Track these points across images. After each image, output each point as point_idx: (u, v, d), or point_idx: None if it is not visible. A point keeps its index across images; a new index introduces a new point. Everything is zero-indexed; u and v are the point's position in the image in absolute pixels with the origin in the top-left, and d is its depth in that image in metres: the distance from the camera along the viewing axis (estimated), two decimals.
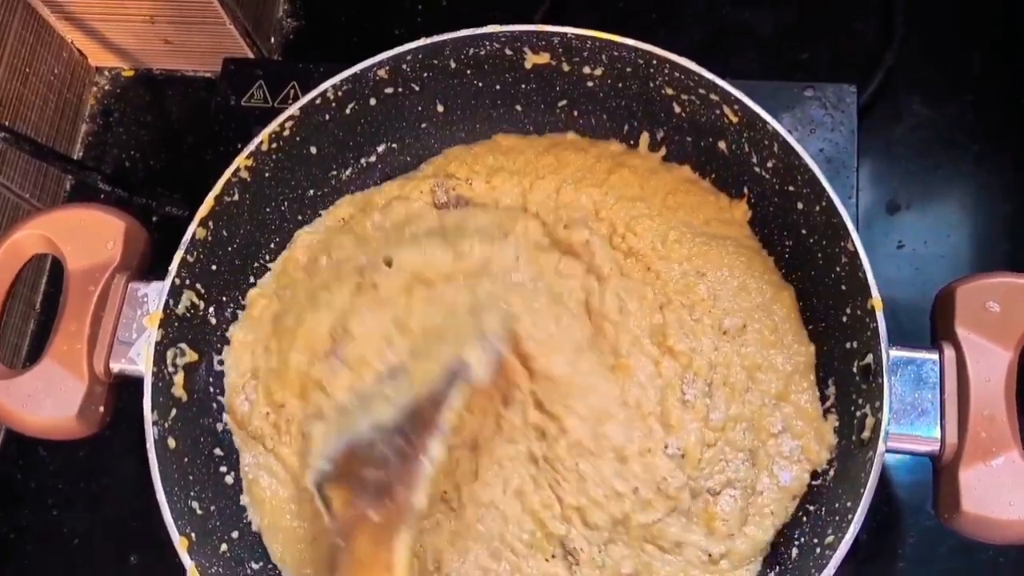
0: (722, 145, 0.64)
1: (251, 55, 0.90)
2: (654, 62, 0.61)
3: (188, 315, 0.61)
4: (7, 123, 0.81)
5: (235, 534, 0.61)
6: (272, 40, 0.94)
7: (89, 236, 0.61)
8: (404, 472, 0.53)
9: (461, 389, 0.56)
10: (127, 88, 0.96)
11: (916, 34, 0.85)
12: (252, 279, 0.67)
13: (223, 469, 0.63)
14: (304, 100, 0.63)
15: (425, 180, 0.69)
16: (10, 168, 0.85)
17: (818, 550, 0.55)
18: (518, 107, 0.69)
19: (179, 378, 0.60)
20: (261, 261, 0.68)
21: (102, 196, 0.82)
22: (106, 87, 0.96)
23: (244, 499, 0.63)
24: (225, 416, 0.64)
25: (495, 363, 0.58)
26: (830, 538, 0.54)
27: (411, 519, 0.53)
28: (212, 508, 0.60)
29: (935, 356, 0.55)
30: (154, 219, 0.84)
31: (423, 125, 0.70)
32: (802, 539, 0.58)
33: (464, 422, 0.59)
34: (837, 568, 0.52)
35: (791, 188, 0.61)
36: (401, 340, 0.60)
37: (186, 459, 0.59)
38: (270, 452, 0.63)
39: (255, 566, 0.61)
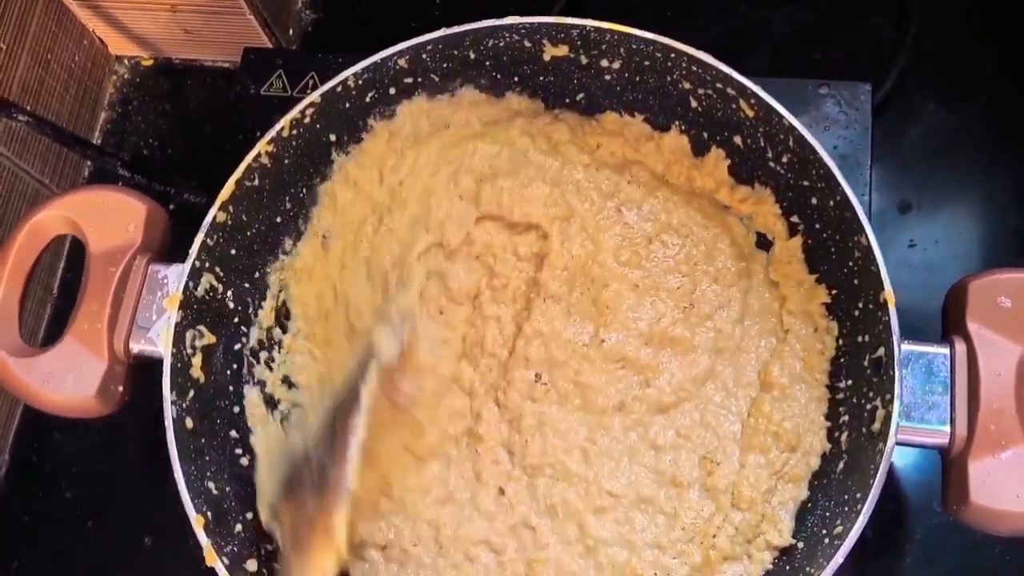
0: (737, 139, 0.65)
1: (270, 46, 0.91)
2: (672, 56, 0.62)
3: (207, 298, 0.62)
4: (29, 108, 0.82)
5: (249, 515, 0.61)
6: (291, 32, 0.95)
7: (111, 218, 0.62)
8: (335, 458, 0.57)
9: (374, 369, 0.60)
10: (146, 77, 0.97)
11: (930, 35, 0.86)
12: (269, 265, 0.68)
13: (238, 451, 0.64)
14: (325, 87, 0.63)
15: None
16: (30, 154, 0.86)
17: (827, 540, 0.55)
18: (536, 99, 0.70)
19: (197, 360, 0.61)
20: (278, 247, 0.68)
21: (121, 182, 0.83)
22: (125, 76, 0.97)
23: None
24: (243, 399, 0.65)
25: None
26: (839, 528, 0.54)
27: (344, 496, 0.56)
28: (227, 489, 0.60)
29: (946, 350, 0.55)
30: (171, 206, 0.85)
31: None
32: (811, 529, 0.58)
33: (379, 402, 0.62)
34: (844, 562, 0.52)
35: (806, 183, 0.61)
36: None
37: (203, 440, 0.60)
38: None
39: (269, 547, 0.61)
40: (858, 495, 0.53)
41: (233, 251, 0.64)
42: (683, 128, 0.67)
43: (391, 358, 0.61)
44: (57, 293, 0.89)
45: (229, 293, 0.64)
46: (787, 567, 0.58)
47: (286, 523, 0.59)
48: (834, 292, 0.62)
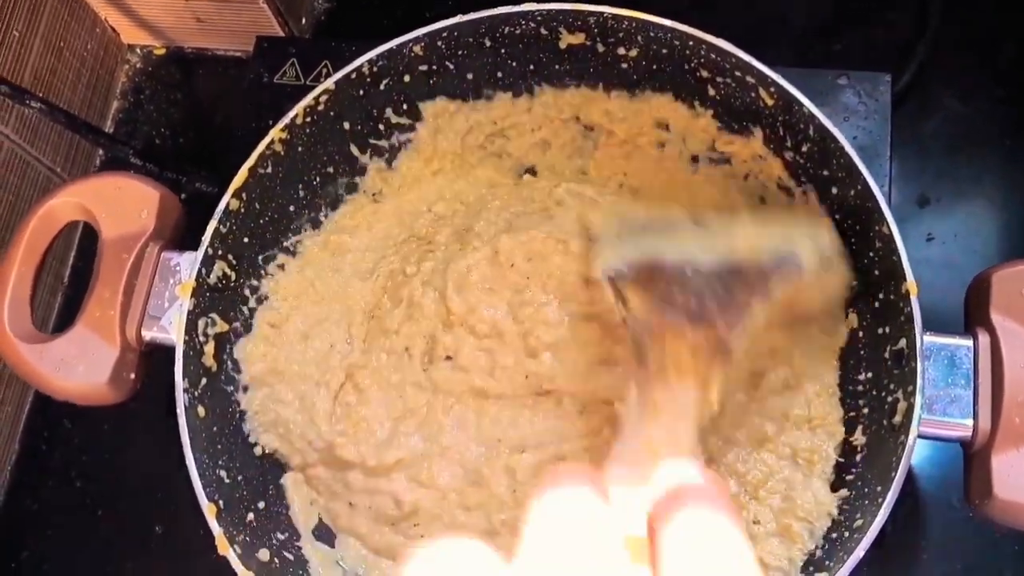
0: (756, 129, 0.64)
1: (282, 35, 0.91)
2: (690, 43, 0.61)
3: (220, 285, 0.61)
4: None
5: (261, 504, 0.61)
6: (303, 21, 0.94)
7: (124, 204, 0.62)
8: (726, 314, 0.49)
9: (790, 275, 0.52)
10: (158, 66, 0.96)
11: (950, 28, 0.84)
12: (281, 253, 0.67)
13: (251, 440, 0.63)
14: (339, 74, 0.63)
15: None
16: (42, 142, 0.86)
17: (847, 534, 0.54)
18: (552, 88, 0.69)
19: (209, 348, 0.61)
20: (291, 236, 0.68)
21: (132, 171, 0.83)
22: (138, 64, 0.97)
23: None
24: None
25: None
26: (859, 522, 0.53)
27: (728, 362, 0.48)
28: (239, 478, 0.60)
29: (969, 342, 0.54)
30: (183, 195, 0.84)
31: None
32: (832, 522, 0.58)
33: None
34: (864, 556, 0.51)
35: (826, 172, 0.60)
36: None
37: (214, 428, 0.60)
38: None
39: (280, 536, 0.61)
40: (879, 488, 0.53)
41: (246, 239, 0.63)
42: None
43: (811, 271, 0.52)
44: (68, 281, 0.89)
45: (241, 281, 0.64)
46: (808, 562, 0.57)
47: (638, 308, 0.51)
48: (854, 283, 0.61)
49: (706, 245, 0.52)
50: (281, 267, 0.67)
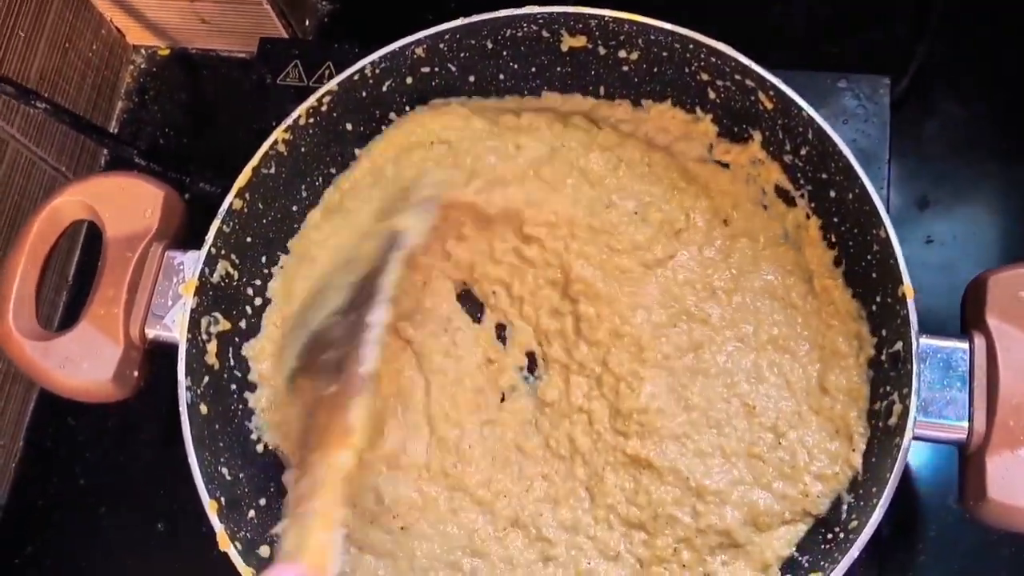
0: (756, 132, 0.64)
1: (286, 36, 0.91)
2: (691, 47, 0.62)
3: (222, 284, 0.62)
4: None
5: (263, 501, 0.61)
6: (307, 23, 0.95)
7: (128, 203, 0.62)
8: (354, 344, 0.55)
9: (399, 256, 0.59)
10: (163, 67, 0.97)
11: (949, 31, 0.85)
12: (283, 253, 0.68)
13: (253, 437, 0.64)
14: (342, 76, 0.63)
15: None
16: (47, 142, 0.86)
17: (842, 534, 0.55)
18: (553, 91, 0.70)
19: (212, 346, 0.61)
20: (293, 236, 0.68)
21: (137, 171, 0.83)
22: (142, 65, 0.97)
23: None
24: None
25: (430, 225, 0.62)
26: (854, 523, 0.54)
27: (363, 388, 0.54)
28: (241, 475, 0.61)
29: (965, 345, 0.55)
30: (187, 196, 0.85)
31: None
32: (826, 523, 0.58)
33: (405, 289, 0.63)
34: (858, 558, 0.52)
35: (824, 176, 0.61)
36: None
37: (217, 425, 0.60)
38: None
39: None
40: (874, 490, 0.53)
41: (248, 239, 0.64)
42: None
43: (418, 238, 0.60)
44: (73, 280, 0.90)
45: (244, 280, 0.64)
46: (803, 562, 0.58)
47: (302, 400, 0.58)
48: (853, 287, 0.62)
49: (343, 284, 0.60)
50: (283, 268, 0.67)
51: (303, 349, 0.60)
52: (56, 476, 0.82)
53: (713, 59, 0.62)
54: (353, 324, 0.56)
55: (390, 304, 0.57)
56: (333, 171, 0.69)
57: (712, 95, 0.64)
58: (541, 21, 0.64)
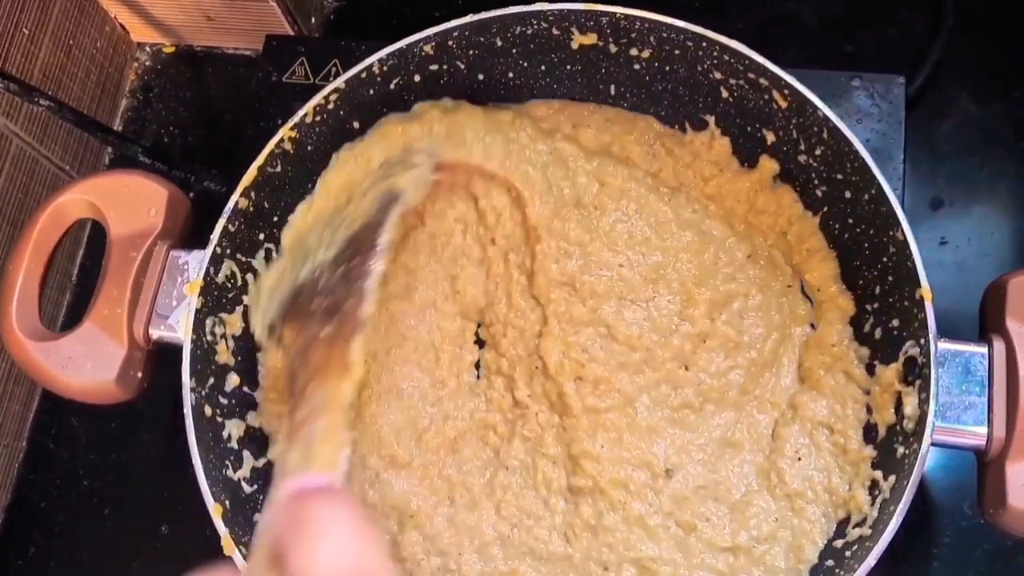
0: (769, 131, 0.63)
1: (292, 34, 0.90)
2: (704, 45, 0.61)
3: (228, 284, 0.61)
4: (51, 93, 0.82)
5: None
6: (313, 20, 0.94)
7: (132, 202, 0.61)
8: (350, 291, 0.54)
9: (397, 213, 0.58)
10: (167, 64, 0.96)
11: (964, 29, 0.84)
12: None
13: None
14: (349, 73, 0.63)
15: None
16: (51, 140, 0.85)
17: (856, 545, 0.54)
18: (563, 89, 0.69)
19: (217, 347, 0.60)
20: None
21: (141, 169, 0.82)
22: (147, 63, 0.96)
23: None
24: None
25: (427, 179, 0.61)
26: (870, 531, 0.53)
27: (360, 327, 0.53)
28: (246, 478, 0.60)
29: (984, 349, 0.54)
30: (191, 194, 0.84)
31: None
32: (842, 531, 0.57)
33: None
34: (875, 564, 0.51)
35: (839, 176, 0.60)
36: None
37: (222, 428, 0.59)
38: None
39: None
40: (891, 496, 0.52)
41: (255, 238, 0.63)
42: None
43: (414, 199, 0.60)
44: (76, 279, 0.89)
45: (249, 279, 0.64)
46: (820, 570, 0.57)
47: (292, 343, 0.56)
48: (866, 289, 0.61)
49: (329, 238, 0.58)
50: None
51: (287, 299, 0.58)
52: (59, 477, 0.81)
53: (726, 57, 0.61)
54: (346, 274, 0.55)
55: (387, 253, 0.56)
56: None
57: (725, 94, 0.63)
58: (551, 18, 0.63)
